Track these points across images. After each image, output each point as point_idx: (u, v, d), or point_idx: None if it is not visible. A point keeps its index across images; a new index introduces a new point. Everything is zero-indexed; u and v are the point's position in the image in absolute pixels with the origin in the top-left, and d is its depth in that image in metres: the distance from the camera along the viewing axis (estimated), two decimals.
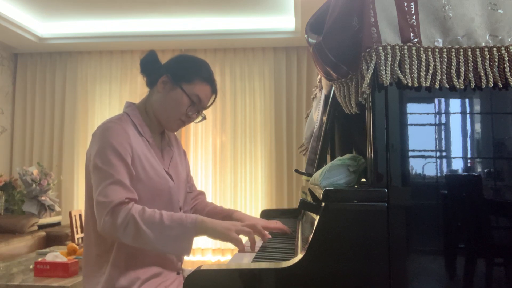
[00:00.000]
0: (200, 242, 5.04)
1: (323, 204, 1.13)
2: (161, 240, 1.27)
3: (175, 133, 1.66)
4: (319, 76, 2.48)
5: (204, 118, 1.54)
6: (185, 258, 1.61)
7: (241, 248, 1.32)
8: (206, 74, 1.49)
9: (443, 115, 1.19)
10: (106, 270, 1.37)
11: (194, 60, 1.53)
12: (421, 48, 1.13)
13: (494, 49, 1.12)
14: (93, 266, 1.39)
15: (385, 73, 1.11)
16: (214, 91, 1.52)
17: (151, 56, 1.51)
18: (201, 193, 1.76)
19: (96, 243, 1.39)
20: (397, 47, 1.12)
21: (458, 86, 1.12)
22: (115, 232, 1.27)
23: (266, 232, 1.43)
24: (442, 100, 1.18)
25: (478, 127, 1.18)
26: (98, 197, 1.29)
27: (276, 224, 1.57)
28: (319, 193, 1.19)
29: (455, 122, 1.18)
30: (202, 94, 1.47)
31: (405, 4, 1.15)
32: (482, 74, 1.11)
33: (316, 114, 2.35)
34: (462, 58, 1.12)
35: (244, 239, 1.36)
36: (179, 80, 1.46)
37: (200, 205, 1.71)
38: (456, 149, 1.17)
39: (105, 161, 1.32)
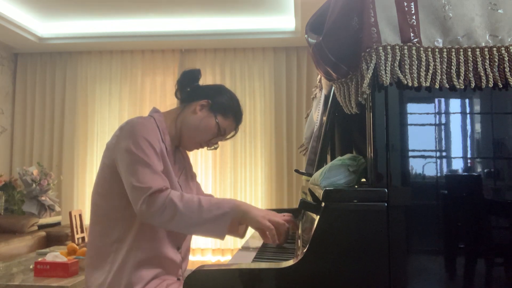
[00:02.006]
0: (200, 242, 5.04)
1: (323, 204, 1.13)
2: (199, 222, 1.32)
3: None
4: (319, 76, 2.48)
5: (216, 148, 1.62)
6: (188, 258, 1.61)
7: (271, 240, 1.37)
8: (239, 115, 1.61)
9: (443, 115, 1.19)
10: (110, 265, 1.38)
11: (233, 96, 1.62)
12: (421, 48, 1.13)
13: (494, 49, 1.12)
14: (97, 259, 1.41)
15: (385, 73, 1.11)
16: (236, 129, 1.63)
17: (195, 73, 1.58)
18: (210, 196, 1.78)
19: (102, 233, 1.42)
20: (397, 47, 1.12)
21: (458, 86, 1.12)
22: (153, 215, 1.30)
23: (282, 240, 1.44)
24: (442, 100, 1.18)
25: (478, 127, 1.18)
26: (136, 183, 1.32)
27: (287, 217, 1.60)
28: (319, 193, 1.19)
29: (455, 122, 1.18)
30: (228, 130, 1.58)
31: (405, 4, 1.15)
32: (482, 74, 1.11)
33: (316, 114, 2.35)
34: (462, 58, 1.12)
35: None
36: (217, 110, 1.54)
37: None
38: (456, 149, 1.17)
39: (141, 151, 1.35)
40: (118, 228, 1.40)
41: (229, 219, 1.33)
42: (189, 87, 1.58)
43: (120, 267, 1.38)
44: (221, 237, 1.35)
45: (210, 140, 1.55)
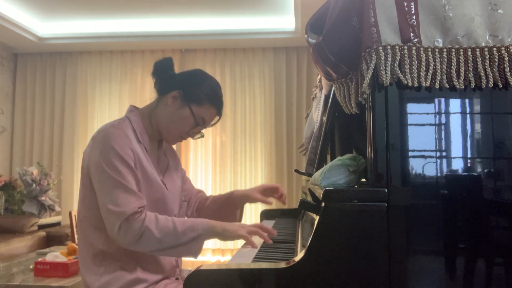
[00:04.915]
0: None
1: (323, 204, 1.13)
2: (175, 246, 1.32)
3: None
4: (319, 76, 2.48)
5: (202, 136, 1.55)
6: (185, 258, 1.62)
7: (253, 244, 1.37)
8: (216, 99, 1.50)
9: (443, 115, 1.19)
10: (102, 272, 1.37)
11: (208, 81, 1.51)
12: (421, 48, 1.13)
13: (494, 49, 1.12)
14: (92, 265, 1.39)
15: (385, 73, 1.11)
16: (219, 114, 1.53)
17: (167, 62, 1.51)
18: (200, 191, 1.78)
19: (92, 243, 1.39)
20: (397, 47, 1.12)
21: (458, 86, 1.12)
22: (129, 242, 1.30)
23: (273, 231, 1.45)
24: (442, 100, 1.18)
25: (478, 127, 1.18)
26: (110, 206, 1.30)
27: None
28: (319, 193, 1.19)
29: (455, 122, 1.18)
30: (207, 117, 1.49)
31: (405, 4, 1.15)
32: (482, 74, 1.11)
33: (316, 114, 2.35)
34: (462, 58, 1.12)
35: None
36: (190, 100, 1.46)
37: (201, 202, 1.73)
38: (456, 149, 1.17)
39: (112, 168, 1.32)
40: (105, 238, 1.37)
41: (203, 240, 1.35)
42: (164, 77, 1.50)
43: (114, 271, 1.36)
44: (195, 256, 1.36)
45: (190, 131, 1.48)
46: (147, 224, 1.29)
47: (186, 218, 1.40)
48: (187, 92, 1.46)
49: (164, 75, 1.50)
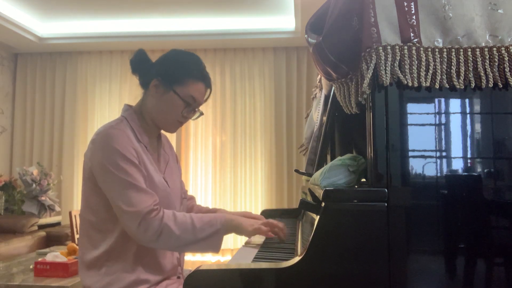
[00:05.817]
0: None
1: (323, 204, 1.13)
2: (194, 242, 1.34)
3: (173, 134, 1.66)
4: (319, 76, 2.48)
5: (201, 114, 1.53)
6: (186, 258, 1.62)
7: (268, 235, 1.46)
8: (198, 72, 1.45)
9: (443, 115, 1.19)
10: (106, 271, 1.36)
11: (183, 58, 1.48)
12: (421, 48, 1.13)
13: (494, 49, 1.12)
14: (93, 267, 1.38)
15: (385, 73, 1.11)
16: (208, 86, 1.49)
17: (140, 55, 1.49)
18: (191, 198, 1.78)
19: (94, 245, 1.38)
20: (397, 47, 1.12)
21: (458, 86, 1.12)
22: (150, 240, 1.31)
23: (283, 231, 1.53)
24: (442, 100, 1.18)
25: (478, 127, 1.18)
26: (125, 207, 1.30)
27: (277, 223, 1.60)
28: (319, 193, 1.19)
29: (455, 122, 1.18)
30: (196, 94, 1.45)
31: (405, 4, 1.15)
32: (482, 74, 1.11)
33: (316, 114, 2.35)
34: (462, 58, 1.12)
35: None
36: (170, 83, 1.43)
37: (188, 211, 1.71)
38: (456, 149, 1.17)
39: (119, 169, 1.31)
40: (108, 240, 1.36)
41: (222, 235, 1.36)
42: (143, 71, 1.48)
43: (115, 272, 1.35)
44: (216, 251, 1.38)
45: (184, 112, 1.45)
46: (165, 221, 1.30)
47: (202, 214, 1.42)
48: (165, 76, 1.43)
49: (143, 69, 1.49)
